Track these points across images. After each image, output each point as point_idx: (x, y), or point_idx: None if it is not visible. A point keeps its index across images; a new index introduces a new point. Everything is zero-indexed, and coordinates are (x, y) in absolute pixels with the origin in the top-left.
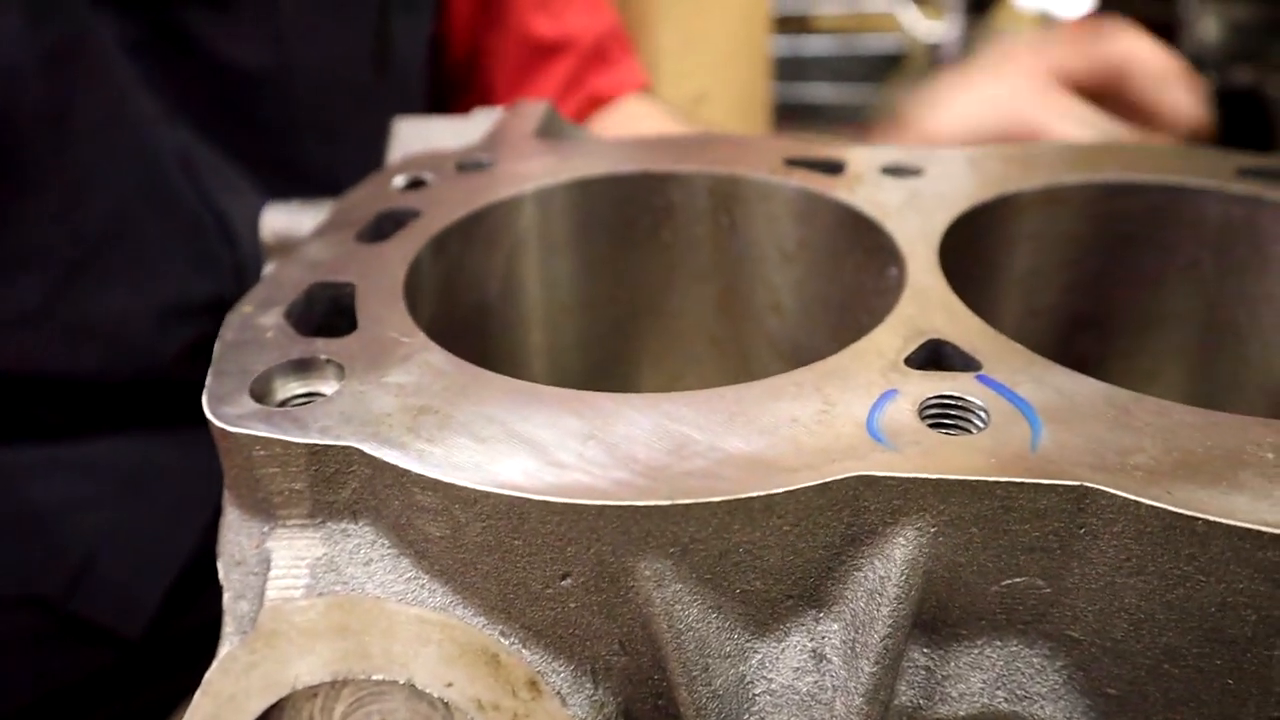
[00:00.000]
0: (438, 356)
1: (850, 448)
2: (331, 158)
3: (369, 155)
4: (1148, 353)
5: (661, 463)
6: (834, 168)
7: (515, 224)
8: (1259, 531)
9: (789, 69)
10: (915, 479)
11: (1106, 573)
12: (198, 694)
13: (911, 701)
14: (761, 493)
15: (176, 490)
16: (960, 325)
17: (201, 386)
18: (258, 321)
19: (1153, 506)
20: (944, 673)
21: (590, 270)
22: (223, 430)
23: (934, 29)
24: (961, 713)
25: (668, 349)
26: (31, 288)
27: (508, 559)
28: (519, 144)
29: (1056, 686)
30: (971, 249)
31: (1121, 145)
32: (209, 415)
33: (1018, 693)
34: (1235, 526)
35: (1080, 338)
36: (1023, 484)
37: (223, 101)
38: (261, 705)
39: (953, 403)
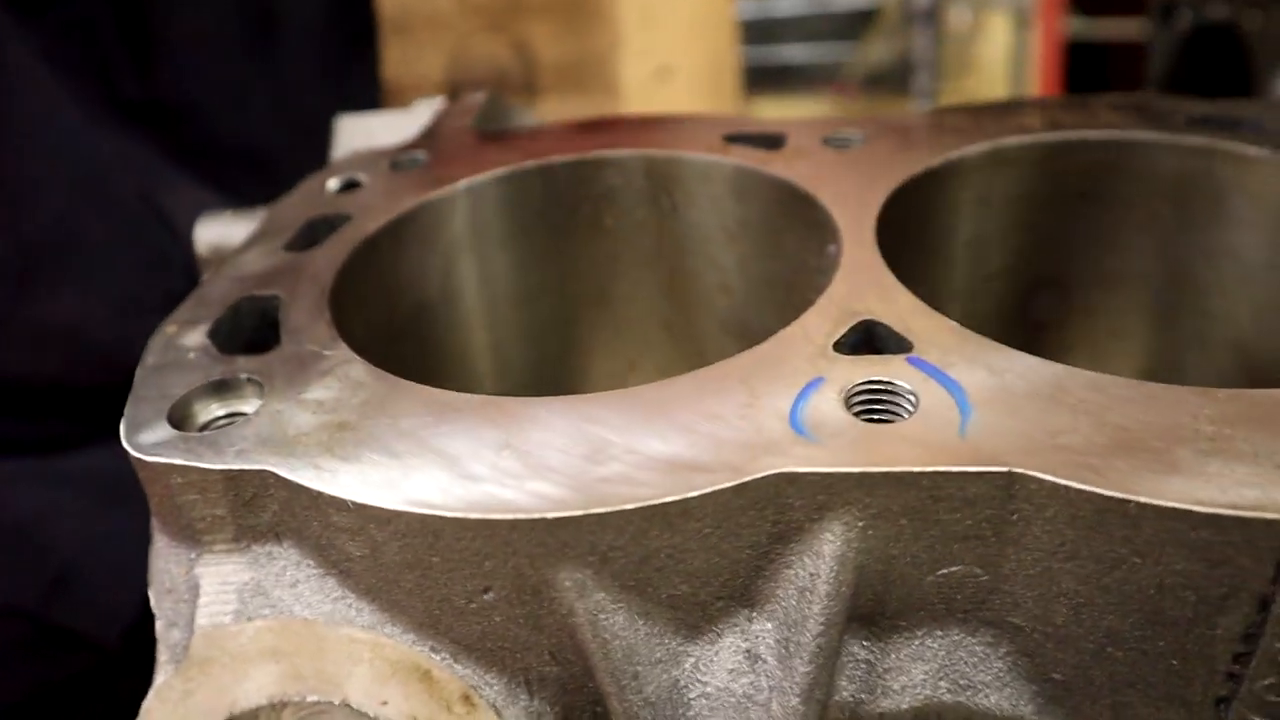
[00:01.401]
0: (358, 369)
1: (772, 443)
2: (242, 124)
3: (280, 116)
4: (1109, 311)
5: (577, 469)
6: (774, 142)
7: (449, 221)
8: (1190, 511)
9: (758, 32)
10: (838, 473)
11: (1042, 558)
12: None
13: (853, 696)
14: (676, 497)
15: None
16: (893, 304)
17: None
18: (180, 342)
19: (1082, 490)
20: (885, 666)
21: (532, 262)
22: (139, 460)
23: None
24: (904, 705)
25: (619, 336)
26: None
27: (428, 575)
28: (455, 138)
29: (1001, 674)
30: (916, 216)
31: (1066, 99)
32: (125, 445)
33: (961, 683)
34: (1166, 507)
35: (1039, 299)
36: (949, 473)
37: (139, 109)
38: None
39: (881, 388)
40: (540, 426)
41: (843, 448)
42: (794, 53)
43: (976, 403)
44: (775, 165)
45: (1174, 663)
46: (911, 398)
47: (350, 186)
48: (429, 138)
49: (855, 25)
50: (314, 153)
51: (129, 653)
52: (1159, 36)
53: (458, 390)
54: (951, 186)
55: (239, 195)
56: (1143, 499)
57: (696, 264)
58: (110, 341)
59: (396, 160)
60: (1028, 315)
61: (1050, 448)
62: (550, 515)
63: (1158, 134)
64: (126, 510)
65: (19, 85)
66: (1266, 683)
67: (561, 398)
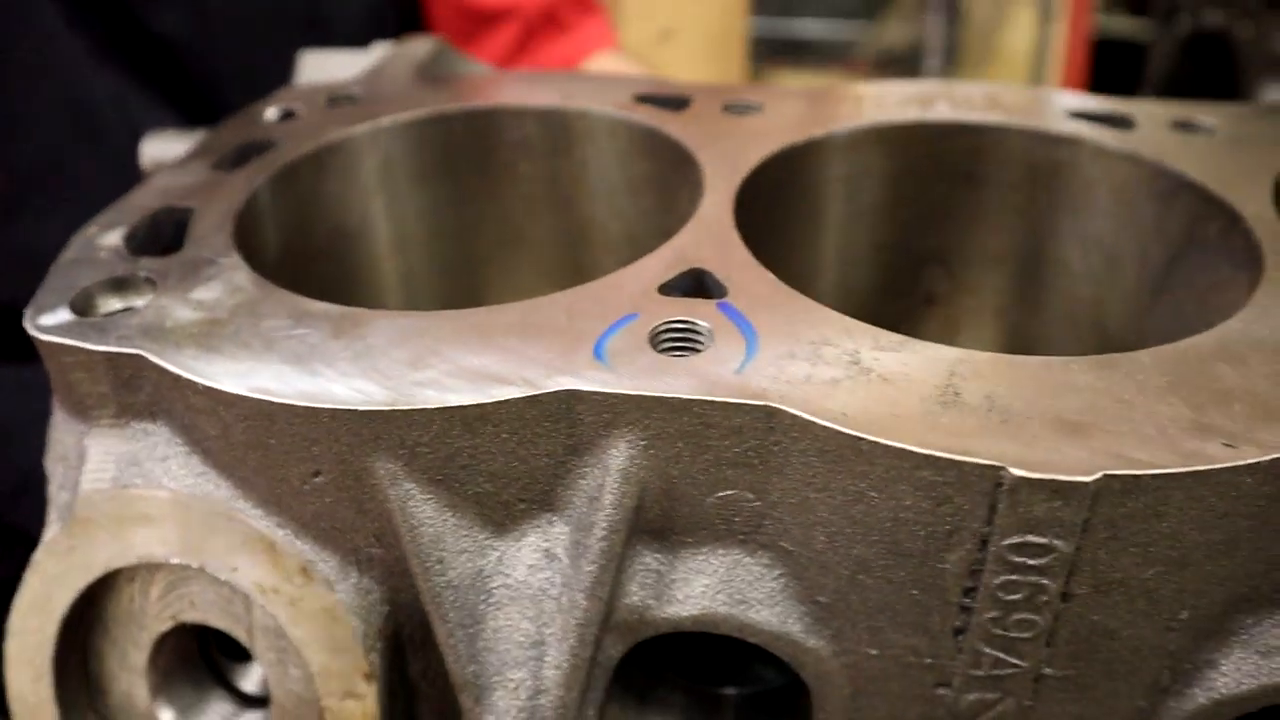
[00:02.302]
0: (241, 276)
1: (571, 365)
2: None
3: None
4: (992, 290)
5: (398, 372)
6: (680, 104)
7: (366, 157)
8: (912, 451)
9: (772, 3)
10: (619, 394)
11: (800, 487)
12: (27, 573)
13: (642, 601)
14: (474, 402)
15: None
16: (725, 257)
17: None
18: (97, 242)
19: (825, 426)
20: (672, 576)
21: (447, 203)
22: (37, 339)
23: None
24: (686, 613)
25: (532, 278)
26: None
27: (269, 456)
28: (394, 79)
29: (773, 593)
30: (794, 185)
31: (963, 84)
32: (26, 324)
33: (737, 597)
34: (892, 446)
35: (928, 273)
36: (714, 402)
37: (147, 54)
38: (81, 583)
39: (684, 327)
40: (379, 335)
41: (630, 374)
42: (807, 26)
43: (763, 347)
44: (671, 125)
45: (914, 593)
46: (707, 337)
47: (287, 116)
48: (371, 77)
49: (873, 3)
50: None
51: None
52: (1160, 38)
53: None
54: (830, 159)
55: None
56: (872, 437)
57: (604, 213)
58: None
59: (333, 95)
60: (919, 288)
61: (810, 389)
62: (362, 408)
63: (1030, 122)
64: None
65: (19, 24)
66: (990, 616)
67: (405, 313)
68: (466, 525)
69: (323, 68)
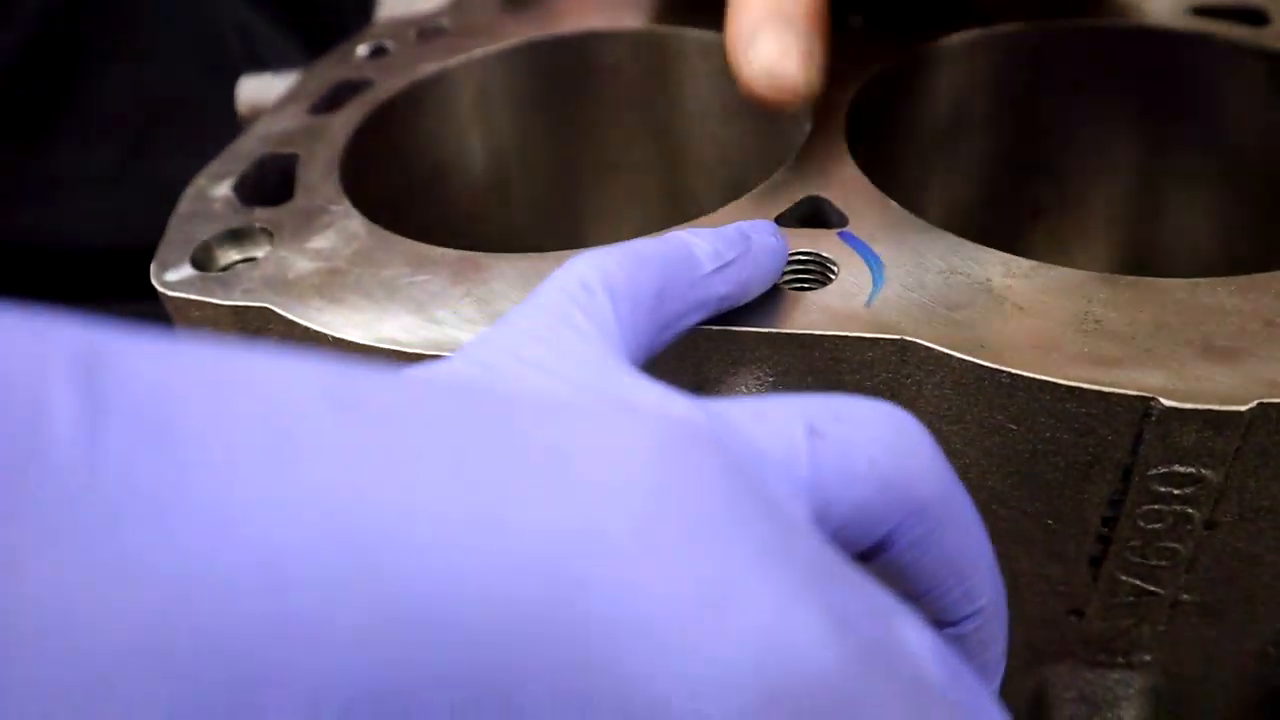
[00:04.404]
0: (356, 223)
1: None
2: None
3: None
4: (1101, 200)
5: None
6: None
7: (460, 91)
8: (1055, 384)
9: None
10: (745, 332)
11: (933, 420)
12: None
13: None
14: None
15: None
16: (841, 182)
17: None
18: (209, 193)
19: (964, 359)
20: None
21: (541, 132)
22: (164, 295)
23: None
24: None
25: (627, 203)
26: (106, 152)
27: None
28: (479, 8)
29: None
30: (901, 99)
31: None
32: (153, 281)
33: None
34: (1035, 379)
35: (1036, 184)
36: (846, 337)
37: None
38: None
39: (808, 259)
40: (499, 279)
41: (757, 310)
42: None
43: (891, 277)
44: None
45: (1050, 523)
46: (834, 269)
47: (378, 53)
48: (457, 7)
49: None
50: None
51: None
52: None
53: (470, 249)
54: (937, 71)
55: None
56: (1014, 370)
57: (700, 137)
58: None
59: (422, 28)
60: (1026, 200)
61: (944, 321)
62: None
63: (1151, 22)
64: None
65: None
66: (1131, 545)
67: (522, 254)
68: None
69: None
